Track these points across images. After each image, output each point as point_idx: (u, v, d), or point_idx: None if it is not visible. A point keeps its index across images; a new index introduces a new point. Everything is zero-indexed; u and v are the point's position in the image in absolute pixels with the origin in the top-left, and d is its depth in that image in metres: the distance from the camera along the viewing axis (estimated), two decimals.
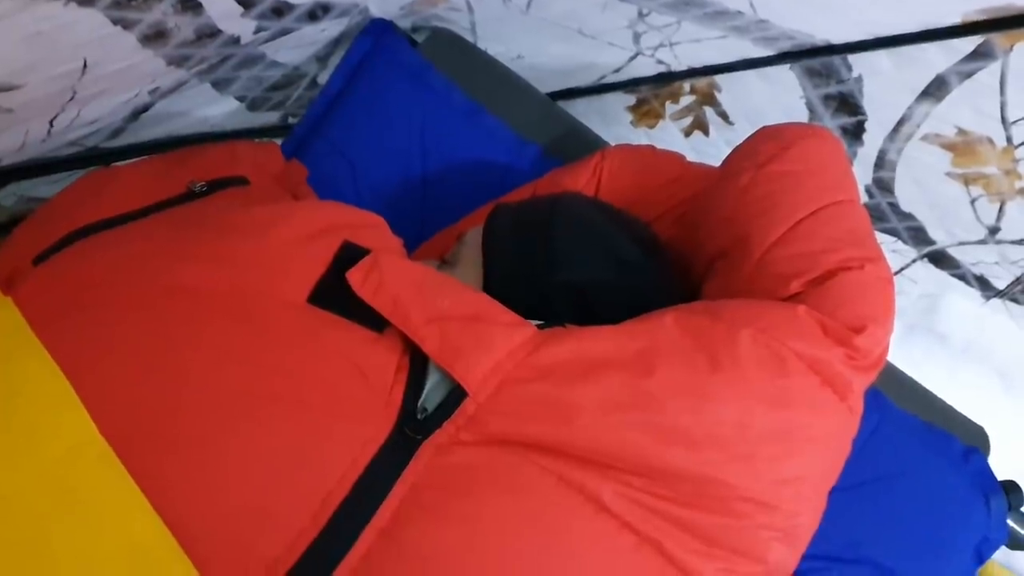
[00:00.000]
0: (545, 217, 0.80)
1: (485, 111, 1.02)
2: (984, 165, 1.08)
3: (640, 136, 1.42)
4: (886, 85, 1.06)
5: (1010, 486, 0.93)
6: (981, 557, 0.90)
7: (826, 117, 1.16)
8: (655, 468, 0.58)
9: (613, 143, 1.00)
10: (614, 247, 0.78)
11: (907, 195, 1.22)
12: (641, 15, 1.08)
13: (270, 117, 1.13)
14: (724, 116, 1.29)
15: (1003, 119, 1.01)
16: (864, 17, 0.97)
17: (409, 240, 0.85)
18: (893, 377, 1.01)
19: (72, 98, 0.79)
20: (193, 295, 0.61)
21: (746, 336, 0.62)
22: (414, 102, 1.01)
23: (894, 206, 1.25)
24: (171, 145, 1.02)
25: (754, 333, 0.63)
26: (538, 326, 0.66)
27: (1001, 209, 1.15)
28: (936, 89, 1.02)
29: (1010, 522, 0.93)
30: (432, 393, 0.61)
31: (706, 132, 1.33)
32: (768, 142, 0.78)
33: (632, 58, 1.22)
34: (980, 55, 0.93)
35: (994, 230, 1.19)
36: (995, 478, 0.93)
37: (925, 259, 1.34)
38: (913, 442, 0.93)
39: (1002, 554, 1.35)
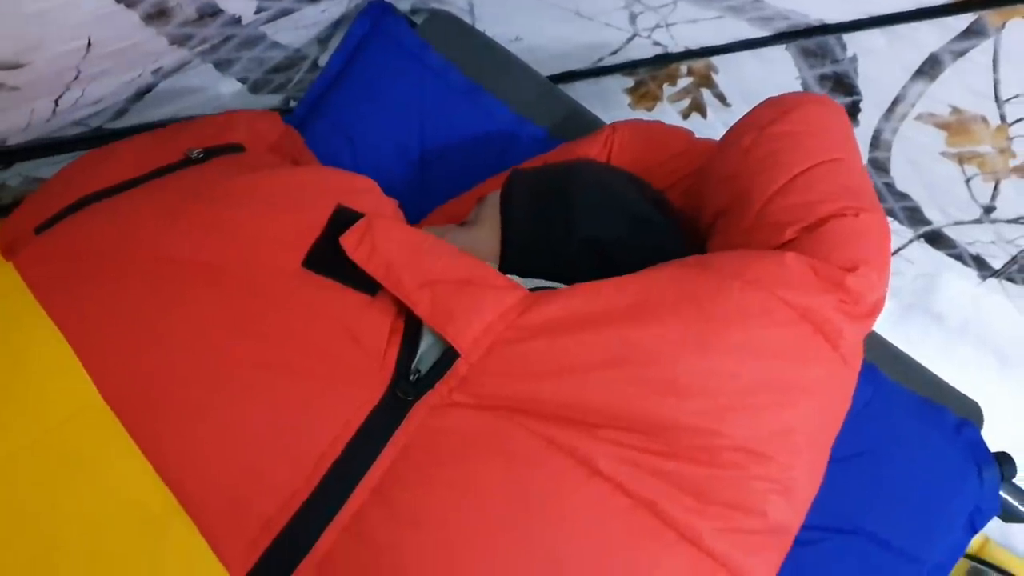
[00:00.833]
0: (564, 178, 0.82)
1: (484, 91, 1.04)
2: (978, 144, 1.09)
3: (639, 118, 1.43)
4: (880, 64, 1.07)
5: (1003, 457, 0.94)
6: (974, 527, 0.91)
7: None
8: (647, 421, 0.59)
9: None
10: (632, 206, 0.80)
11: (903, 175, 1.23)
12: None
13: (272, 100, 1.14)
14: (721, 98, 1.30)
15: (996, 97, 1.01)
16: None
17: (408, 216, 0.86)
18: (887, 351, 1.02)
19: (77, 77, 0.80)
20: (187, 264, 0.63)
21: (735, 287, 0.63)
22: (412, 82, 1.02)
23: (890, 186, 1.26)
24: None
25: (743, 284, 0.63)
26: (544, 288, 0.67)
27: (996, 188, 1.16)
28: (930, 68, 1.03)
29: (1003, 493, 0.95)
30: (426, 356, 0.62)
31: (704, 114, 1.34)
32: (770, 107, 0.80)
33: (629, 39, 1.23)
34: (973, 33, 0.94)
35: (989, 209, 1.20)
36: (988, 449, 0.94)
37: (921, 239, 1.35)
38: (906, 414, 0.94)
39: (999, 534, 1.37)
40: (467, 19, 1.17)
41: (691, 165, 0.93)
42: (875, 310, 0.69)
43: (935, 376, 1.03)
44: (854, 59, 1.08)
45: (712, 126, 1.35)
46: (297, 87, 1.16)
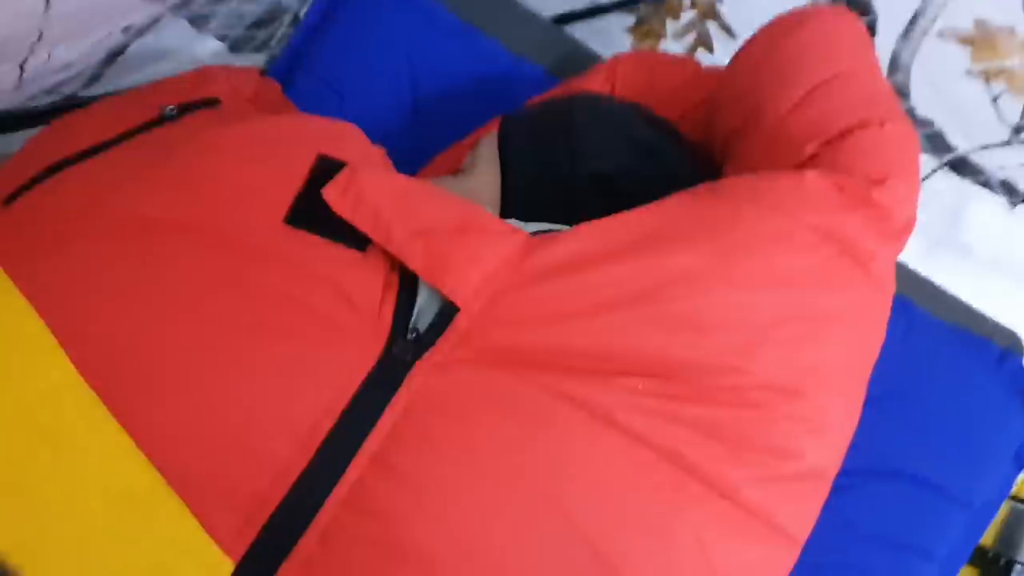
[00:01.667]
0: (565, 112, 0.76)
1: (478, 32, 0.98)
2: (1006, 58, 1.03)
3: None
4: None
5: None
6: (1021, 462, 0.86)
7: None
8: (664, 363, 0.55)
9: None
10: (640, 136, 0.75)
11: (923, 99, 1.17)
12: None
13: (255, 59, 1.09)
14: (728, 30, 1.24)
15: None
16: None
17: (402, 167, 0.81)
18: (918, 283, 0.97)
19: (40, 38, 0.75)
20: (162, 226, 0.58)
21: (750, 212, 0.59)
22: (399, 24, 0.96)
23: (910, 112, 1.20)
24: None
25: (760, 208, 0.59)
26: (547, 231, 0.62)
27: None
28: None
29: None
30: (424, 312, 0.57)
31: (710, 49, 1.28)
32: (782, 22, 0.75)
33: None
34: None
35: (1019, 129, 1.14)
36: None
37: (946, 168, 1.29)
38: (944, 347, 0.89)
39: None
40: None
41: (699, 93, 0.87)
42: (907, 228, 0.64)
43: (971, 307, 0.97)
44: None
45: (720, 61, 1.28)
46: (280, 43, 1.10)
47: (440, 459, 0.52)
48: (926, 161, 1.28)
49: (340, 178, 0.59)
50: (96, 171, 0.64)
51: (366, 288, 0.57)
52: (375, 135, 0.97)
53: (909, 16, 1.04)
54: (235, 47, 1.04)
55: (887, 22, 1.06)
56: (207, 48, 0.99)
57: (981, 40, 1.02)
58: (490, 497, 0.52)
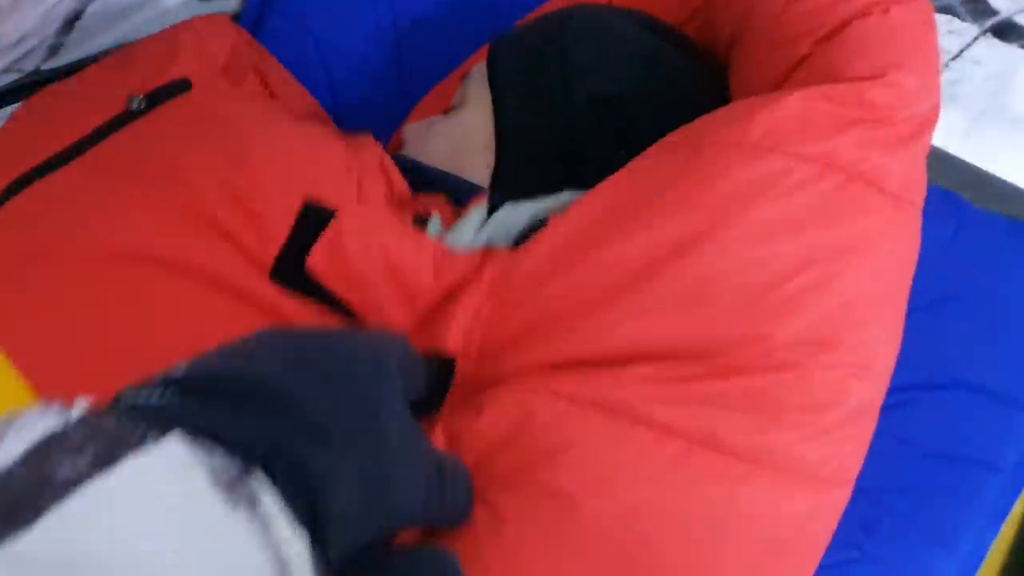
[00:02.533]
0: (555, 29, 0.69)
1: None
2: None
3: None
4: None
5: None
6: None
7: None
8: (678, 344, 0.49)
9: None
10: (644, 48, 0.67)
11: None
12: None
13: (226, 4, 1.01)
14: None
15: None
16: None
17: (392, 106, 0.74)
18: (966, 173, 0.89)
19: None
20: (138, 261, 0.54)
21: (736, 159, 0.52)
22: None
23: None
24: None
25: (744, 152, 0.52)
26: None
27: None
28: None
29: None
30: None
31: None
32: None
33: None
34: None
35: None
36: None
37: (988, 34, 1.18)
38: (998, 243, 0.81)
39: None
40: None
41: None
42: (925, 125, 0.57)
43: None
44: None
45: None
46: None
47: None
48: (966, 30, 1.18)
49: (324, 241, 0.54)
50: (63, 196, 0.59)
51: None
52: (357, 70, 0.90)
53: None
54: None
55: None
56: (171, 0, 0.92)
57: None
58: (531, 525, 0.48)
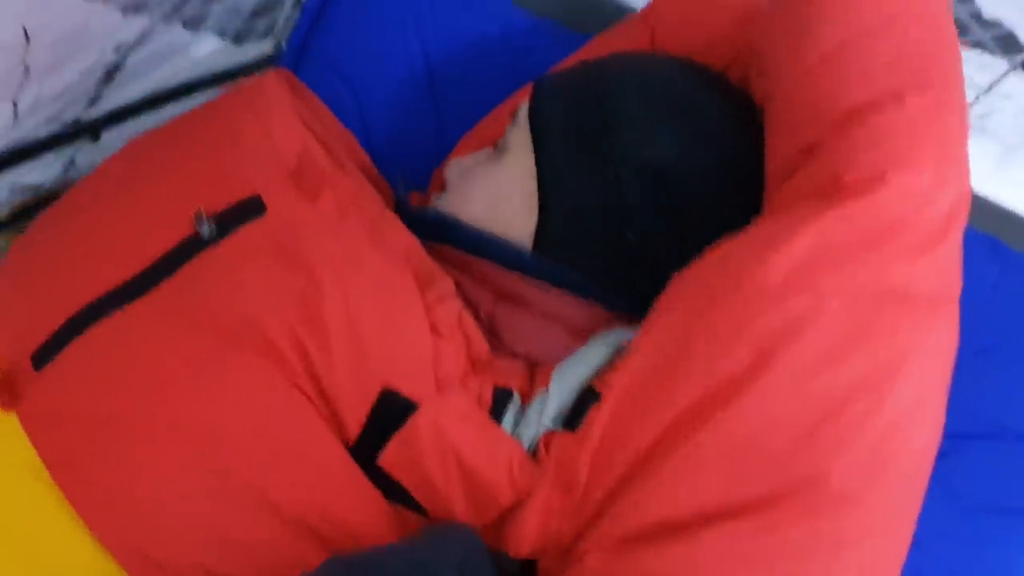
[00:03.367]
0: (598, 83, 0.67)
1: None
2: None
3: None
4: None
5: None
6: None
7: None
8: (740, 500, 0.50)
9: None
10: (700, 113, 0.65)
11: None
12: None
13: (261, 48, 1.02)
14: None
15: None
16: None
17: (429, 148, 0.74)
18: (1004, 218, 0.88)
19: (26, 74, 0.70)
20: (224, 440, 0.55)
21: (760, 308, 0.52)
22: None
23: (976, 16, 1.09)
24: (160, 102, 0.92)
25: (768, 299, 0.51)
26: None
27: None
28: None
29: None
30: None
31: None
32: None
33: None
34: None
35: None
36: None
37: (1019, 68, 1.17)
38: None
39: None
40: None
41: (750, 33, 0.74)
42: (951, 219, 0.53)
43: None
44: None
45: None
46: (286, 28, 1.03)
47: None
48: (996, 65, 1.17)
49: (397, 441, 0.55)
50: (139, 348, 0.57)
51: None
52: (395, 117, 0.90)
53: None
54: (238, 39, 0.97)
55: None
56: (207, 46, 0.93)
57: None
58: None
